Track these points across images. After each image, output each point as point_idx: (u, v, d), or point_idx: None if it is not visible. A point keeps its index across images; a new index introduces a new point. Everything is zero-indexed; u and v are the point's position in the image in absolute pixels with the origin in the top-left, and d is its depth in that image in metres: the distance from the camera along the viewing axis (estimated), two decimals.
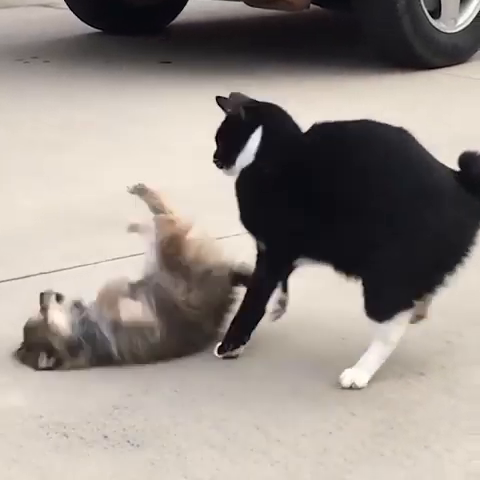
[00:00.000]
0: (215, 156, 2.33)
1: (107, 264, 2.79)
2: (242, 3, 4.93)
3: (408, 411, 2.02)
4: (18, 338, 2.28)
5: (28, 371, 2.22)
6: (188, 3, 5.79)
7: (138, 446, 1.89)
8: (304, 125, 2.38)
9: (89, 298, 2.31)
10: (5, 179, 3.52)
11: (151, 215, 2.42)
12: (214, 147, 2.38)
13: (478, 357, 2.23)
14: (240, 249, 2.83)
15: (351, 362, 2.19)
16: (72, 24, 5.76)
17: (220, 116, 4.19)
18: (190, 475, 1.79)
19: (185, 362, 2.24)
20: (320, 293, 2.56)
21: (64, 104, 4.42)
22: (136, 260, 2.58)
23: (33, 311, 2.28)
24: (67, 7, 5.72)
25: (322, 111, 4.16)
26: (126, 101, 4.41)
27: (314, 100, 4.33)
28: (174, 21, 5.90)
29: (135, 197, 2.46)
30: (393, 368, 2.16)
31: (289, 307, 2.45)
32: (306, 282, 2.60)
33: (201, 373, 2.19)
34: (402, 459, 1.82)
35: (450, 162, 2.66)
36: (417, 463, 1.82)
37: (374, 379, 2.12)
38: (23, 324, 2.27)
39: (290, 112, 4.17)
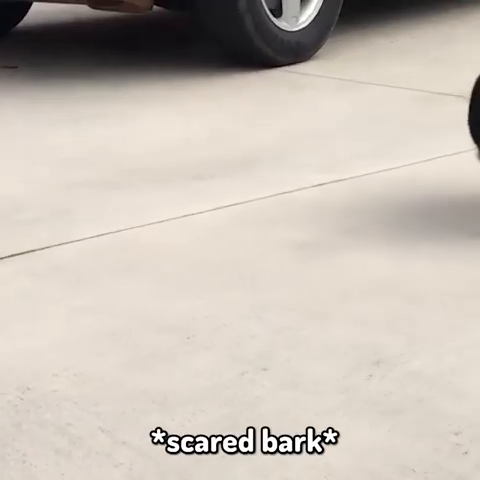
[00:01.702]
0: None
1: None
2: (85, 6, 4.93)
3: (254, 406, 2.04)
4: None
5: None
6: (32, 8, 5.78)
7: None
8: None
9: None
10: None
11: None
12: None
13: (321, 349, 2.27)
14: (83, 253, 2.85)
15: (195, 361, 2.22)
16: None
17: (63, 122, 4.21)
18: None
19: (29, 368, 2.22)
20: (166, 292, 2.58)
21: None
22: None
23: None
24: None
25: (172, 113, 4.21)
26: None
27: (163, 101, 4.38)
28: (18, 25, 5.87)
29: None
30: (237, 365, 2.20)
31: (127, 310, 2.48)
32: (154, 283, 2.64)
33: (44, 379, 2.17)
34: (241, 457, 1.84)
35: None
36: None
37: (219, 376, 2.15)
38: None
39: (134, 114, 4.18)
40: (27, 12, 5.81)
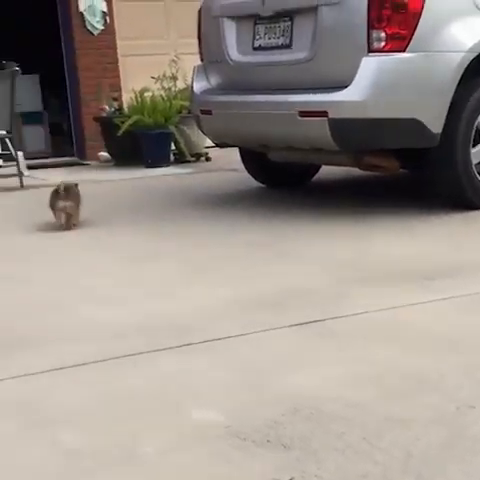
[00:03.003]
0: None
1: None
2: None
3: None
4: None
5: None
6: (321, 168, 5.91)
7: None
8: None
9: None
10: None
11: None
12: None
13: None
14: (349, 323, 2.80)
15: (422, 399, 2.14)
16: (249, 181, 5.92)
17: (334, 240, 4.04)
18: None
19: (316, 394, 2.19)
20: (408, 351, 2.49)
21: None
22: None
23: None
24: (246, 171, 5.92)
25: (404, 236, 4.11)
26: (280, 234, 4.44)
27: (399, 227, 4.29)
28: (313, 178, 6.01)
29: None
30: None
31: (379, 362, 2.40)
32: (397, 347, 2.55)
33: (326, 402, 2.14)
34: None
35: None
36: None
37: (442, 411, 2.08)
38: None
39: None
40: (319, 168, 5.92)
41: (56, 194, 4.71)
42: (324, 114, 4.39)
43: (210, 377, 2.37)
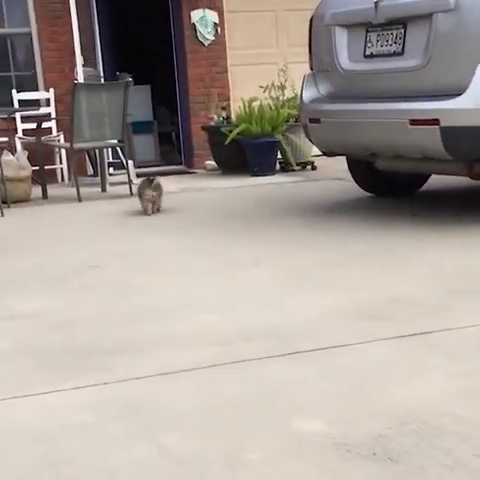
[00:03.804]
0: None
1: None
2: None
3: None
4: None
5: None
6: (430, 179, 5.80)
7: None
8: None
9: None
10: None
11: None
12: None
13: None
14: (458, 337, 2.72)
15: None
16: (356, 190, 5.87)
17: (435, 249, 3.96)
18: None
19: (425, 408, 2.14)
20: None
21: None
22: None
23: None
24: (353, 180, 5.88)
25: None
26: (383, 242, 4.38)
27: None
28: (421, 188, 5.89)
29: None
30: None
31: None
32: None
33: (434, 416, 2.09)
34: None
35: None
36: None
37: None
38: None
39: None
40: (428, 178, 5.80)
41: (144, 185, 5.81)
42: (435, 122, 4.32)
43: (315, 387, 2.35)
